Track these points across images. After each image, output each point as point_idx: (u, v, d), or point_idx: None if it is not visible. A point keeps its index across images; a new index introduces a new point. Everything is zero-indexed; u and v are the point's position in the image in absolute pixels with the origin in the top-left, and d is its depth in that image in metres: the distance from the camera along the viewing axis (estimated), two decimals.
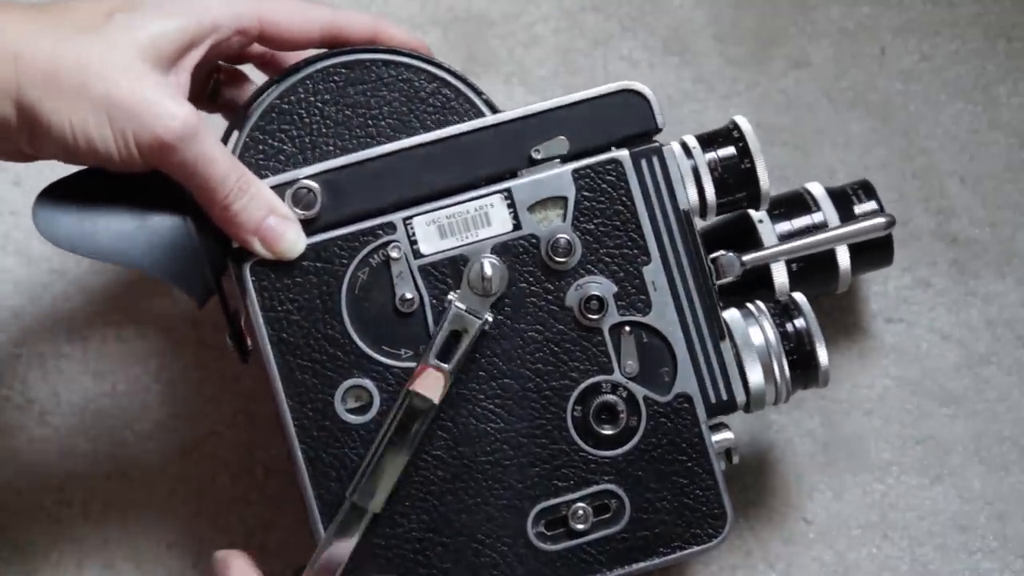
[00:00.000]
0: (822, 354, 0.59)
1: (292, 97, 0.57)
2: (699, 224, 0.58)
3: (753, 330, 0.58)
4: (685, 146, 0.59)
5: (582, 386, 0.57)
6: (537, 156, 0.57)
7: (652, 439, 0.57)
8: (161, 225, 0.55)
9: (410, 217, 0.56)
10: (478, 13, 0.73)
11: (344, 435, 0.56)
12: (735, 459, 0.58)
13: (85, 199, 0.55)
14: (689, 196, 0.57)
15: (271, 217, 0.55)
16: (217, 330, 0.68)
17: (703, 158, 0.58)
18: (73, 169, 0.56)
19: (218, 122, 0.61)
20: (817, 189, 0.65)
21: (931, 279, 0.71)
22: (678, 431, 0.57)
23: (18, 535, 0.68)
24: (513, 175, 0.57)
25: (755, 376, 0.58)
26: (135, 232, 0.55)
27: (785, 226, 0.63)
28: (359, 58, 0.58)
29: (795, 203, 0.64)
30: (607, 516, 0.57)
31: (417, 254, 0.56)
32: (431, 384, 0.55)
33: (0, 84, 0.51)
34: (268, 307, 0.56)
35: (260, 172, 0.56)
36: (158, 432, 0.69)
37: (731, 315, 0.58)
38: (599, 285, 0.56)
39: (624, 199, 0.56)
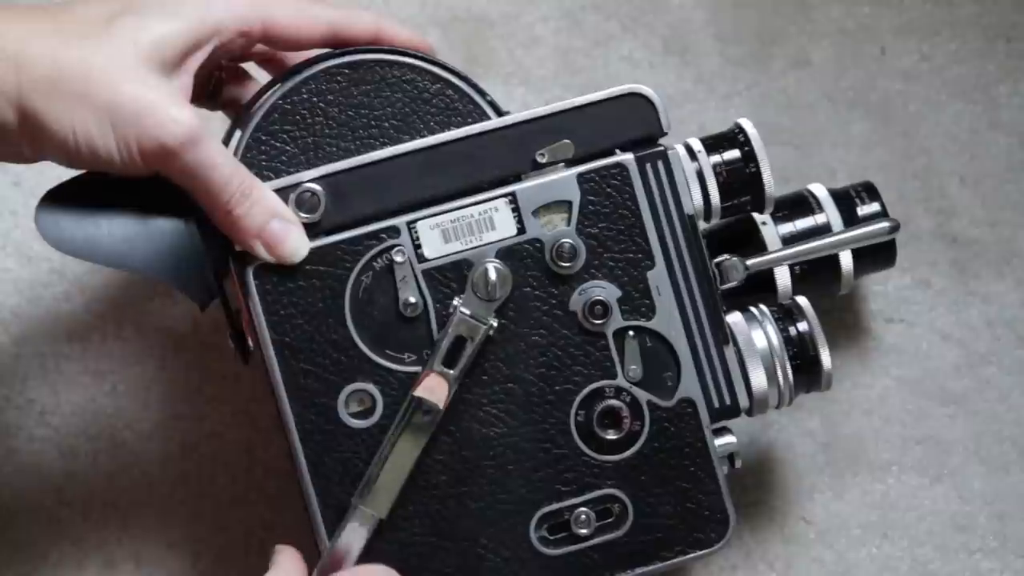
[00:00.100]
0: (825, 358, 0.59)
1: (295, 98, 0.57)
2: (702, 227, 0.58)
3: (756, 334, 0.58)
4: (689, 149, 0.58)
5: (585, 391, 0.56)
6: (542, 160, 0.56)
7: (655, 444, 0.57)
8: (163, 229, 0.55)
9: (414, 221, 0.56)
10: (478, 13, 0.73)
11: (347, 439, 0.56)
12: (738, 463, 0.58)
13: (87, 203, 0.55)
14: (694, 200, 0.57)
15: (274, 221, 0.55)
16: (217, 330, 0.68)
17: (708, 162, 0.58)
18: (74, 172, 0.55)
19: (219, 121, 0.61)
20: (820, 191, 0.65)
21: (931, 279, 0.71)
22: (681, 436, 0.57)
23: (18, 535, 0.68)
24: (517, 179, 0.56)
25: (758, 381, 0.57)
26: (138, 236, 0.55)
27: (788, 228, 0.63)
28: (362, 58, 0.57)
29: (798, 205, 0.64)
30: (610, 521, 0.57)
31: (421, 258, 0.56)
32: (436, 390, 0.55)
33: (1, 88, 0.50)
34: (271, 311, 0.56)
35: (262, 173, 0.56)
36: (158, 432, 0.69)
37: (734, 319, 0.58)
38: (603, 290, 0.56)
39: (629, 203, 0.56)
